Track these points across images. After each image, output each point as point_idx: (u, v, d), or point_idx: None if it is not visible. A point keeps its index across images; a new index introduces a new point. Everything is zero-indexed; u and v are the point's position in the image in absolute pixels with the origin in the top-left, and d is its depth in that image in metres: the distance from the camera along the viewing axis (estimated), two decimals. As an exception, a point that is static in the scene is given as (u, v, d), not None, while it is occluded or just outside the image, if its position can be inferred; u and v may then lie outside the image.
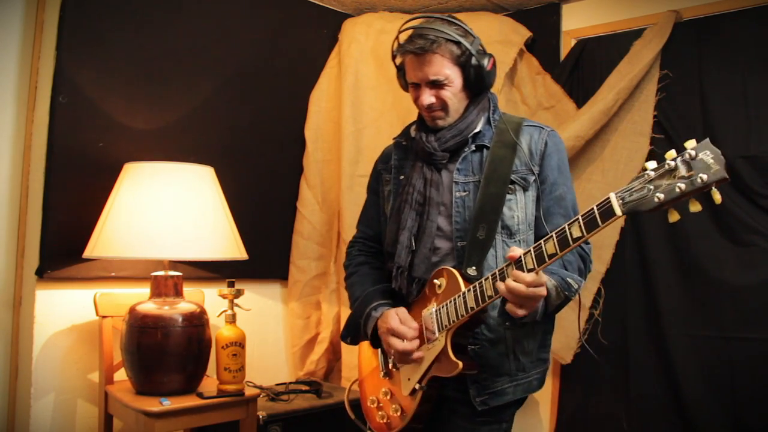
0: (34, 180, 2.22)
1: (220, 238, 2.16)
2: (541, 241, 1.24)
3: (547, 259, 1.23)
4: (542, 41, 2.89)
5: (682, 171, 1.04)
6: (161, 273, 2.11)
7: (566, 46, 2.84)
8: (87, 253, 2.08)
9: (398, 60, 1.59)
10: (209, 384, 2.16)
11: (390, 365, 1.63)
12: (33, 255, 2.19)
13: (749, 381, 2.27)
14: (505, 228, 1.49)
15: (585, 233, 1.16)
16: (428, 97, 1.51)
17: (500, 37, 2.82)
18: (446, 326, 1.43)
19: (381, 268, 1.71)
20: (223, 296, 2.15)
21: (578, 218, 1.18)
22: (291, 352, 2.90)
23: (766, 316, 2.25)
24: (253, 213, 2.65)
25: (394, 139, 1.74)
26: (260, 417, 2.24)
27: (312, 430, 2.40)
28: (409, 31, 1.54)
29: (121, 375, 2.16)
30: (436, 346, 1.45)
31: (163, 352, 2.00)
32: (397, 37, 1.58)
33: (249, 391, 2.14)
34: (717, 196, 1.04)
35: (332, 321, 2.84)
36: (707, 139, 1.03)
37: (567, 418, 2.68)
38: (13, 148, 2.26)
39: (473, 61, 1.50)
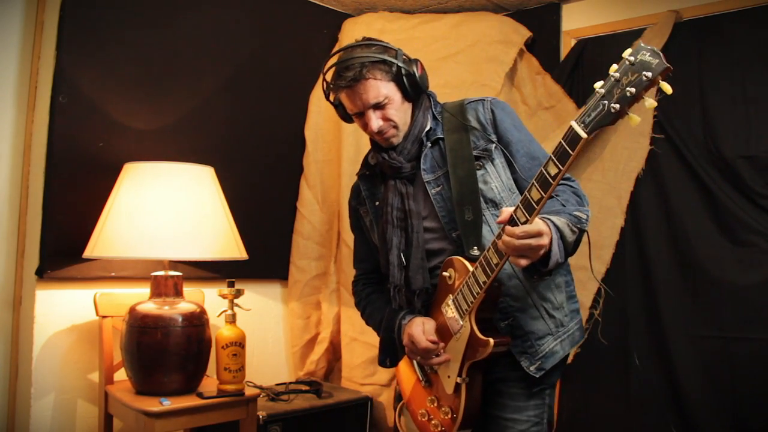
0: (34, 180, 2.22)
1: (220, 238, 2.16)
2: (525, 191, 1.26)
3: (535, 206, 1.23)
4: (542, 41, 2.89)
5: (628, 77, 1.09)
6: (161, 273, 2.11)
7: (566, 46, 2.84)
8: (87, 253, 2.08)
9: (332, 98, 1.62)
10: (209, 384, 2.16)
11: (427, 370, 1.63)
12: (33, 255, 2.19)
13: (749, 381, 2.27)
14: (489, 202, 1.52)
15: (561, 167, 1.19)
16: (377, 121, 1.53)
17: (500, 37, 2.82)
18: (467, 310, 1.44)
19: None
20: (223, 296, 2.15)
21: (550, 156, 1.21)
22: (291, 352, 2.90)
23: (766, 316, 2.25)
24: (253, 213, 2.65)
25: (357, 174, 1.77)
26: (260, 417, 2.24)
27: (312, 430, 2.40)
28: (332, 69, 1.57)
29: (121, 375, 2.16)
30: (463, 333, 1.46)
31: (163, 352, 2.00)
32: (323, 78, 1.61)
33: (249, 391, 2.14)
34: (666, 87, 1.10)
35: (332, 321, 2.84)
36: (639, 40, 1.09)
37: (567, 418, 2.68)
38: (13, 148, 2.26)
39: (403, 71, 1.52)
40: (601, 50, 2.72)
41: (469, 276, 1.42)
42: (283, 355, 2.91)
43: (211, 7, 2.60)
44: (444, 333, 1.52)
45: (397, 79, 1.53)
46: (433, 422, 1.60)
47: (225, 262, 2.34)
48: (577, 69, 2.77)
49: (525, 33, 2.86)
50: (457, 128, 1.56)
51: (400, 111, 1.55)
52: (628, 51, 1.10)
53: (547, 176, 1.21)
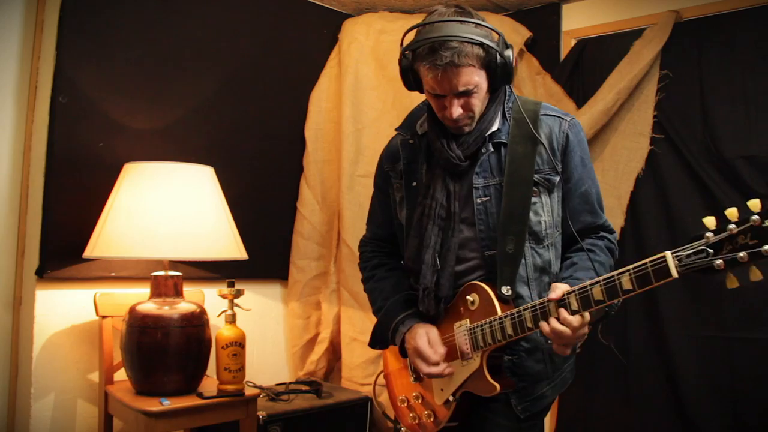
0: (34, 180, 2.22)
1: (220, 238, 2.16)
2: (587, 283, 1.22)
3: (593, 305, 1.20)
4: (542, 41, 2.89)
5: (746, 238, 1.00)
6: (161, 273, 2.11)
7: (566, 46, 2.84)
8: (87, 253, 2.08)
9: (407, 65, 1.45)
10: (209, 384, 2.16)
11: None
12: (33, 255, 2.19)
13: (749, 381, 2.27)
14: (532, 234, 1.44)
15: (636, 288, 1.14)
16: (458, 109, 1.39)
17: (500, 37, 2.82)
18: (482, 347, 1.41)
19: (397, 268, 1.67)
20: (223, 296, 2.15)
21: (629, 270, 1.14)
22: (291, 352, 2.90)
23: (766, 316, 2.25)
24: (253, 213, 2.65)
25: (397, 130, 1.62)
26: (260, 417, 2.24)
27: (312, 430, 2.40)
28: (425, 43, 1.38)
29: (121, 375, 2.16)
30: (471, 365, 1.44)
31: (163, 352, 2.00)
32: (402, 41, 1.47)
33: (249, 391, 2.14)
34: (757, 273, 1.00)
35: (332, 321, 2.84)
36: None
37: (567, 418, 2.68)
38: (13, 148, 2.26)
39: (498, 59, 1.38)
40: (601, 50, 2.72)
41: (496, 320, 1.38)
42: (283, 355, 2.91)
43: (211, 8, 2.60)
44: (449, 352, 1.50)
45: (489, 65, 1.37)
46: (411, 414, 1.60)
47: (225, 262, 2.34)
48: (577, 69, 2.77)
49: (525, 33, 2.87)
50: (524, 138, 1.44)
51: (482, 102, 1.43)
52: (756, 203, 1.00)
53: (618, 287, 1.16)
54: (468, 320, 1.46)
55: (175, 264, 2.19)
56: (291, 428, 2.34)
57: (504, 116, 1.49)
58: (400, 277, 1.65)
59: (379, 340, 1.66)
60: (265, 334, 2.83)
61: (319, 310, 2.90)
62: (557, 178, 1.46)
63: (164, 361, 2.00)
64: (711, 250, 1.04)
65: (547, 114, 1.49)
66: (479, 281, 1.46)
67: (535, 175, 1.43)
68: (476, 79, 1.37)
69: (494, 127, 1.47)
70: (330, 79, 2.95)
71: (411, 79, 1.47)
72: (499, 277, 1.41)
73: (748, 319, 2.28)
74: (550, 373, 1.50)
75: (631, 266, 1.14)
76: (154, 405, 1.92)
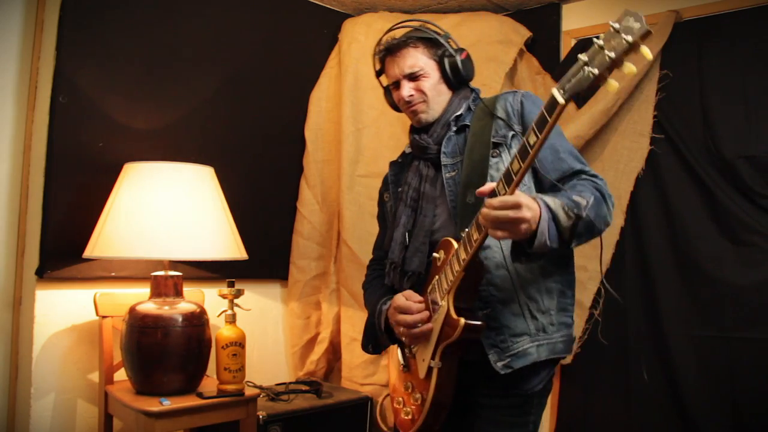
0: (34, 180, 2.22)
1: (220, 238, 2.16)
2: (508, 164, 1.25)
3: (514, 176, 1.22)
4: (542, 41, 2.89)
5: (610, 43, 1.07)
6: (161, 273, 2.11)
7: (566, 46, 2.84)
8: (87, 253, 2.08)
9: (378, 67, 1.68)
10: (209, 384, 2.16)
11: (408, 354, 1.59)
12: (33, 255, 2.19)
13: (749, 381, 2.27)
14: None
15: (539, 134, 1.16)
16: (408, 90, 1.56)
17: (500, 37, 2.82)
18: (446, 289, 1.41)
19: None
20: (223, 296, 2.15)
21: (531, 125, 1.18)
22: (291, 352, 2.90)
23: (766, 316, 2.25)
24: (253, 213, 2.65)
25: (389, 162, 1.79)
26: (260, 417, 2.24)
27: (312, 430, 2.40)
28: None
29: (121, 375, 2.16)
30: (440, 313, 1.42)
31: (163, 352, 2.00)
32: (373, 58, 1.68)
33: (249, 391, 2.14)
34: (646, 52, 1.05)
35: (332, 321, 2.84)
36: (626, 9, 1.06)
37: (567, 418, 2.68)
38: (13, 148, 2.26)
39: (447, 53, 1.57)
40: (601, 50, 2.71)
41: (453, 254, 1.40)
42: (283, 355, 2.91)
43: (211, 8, 2.60)
44: (425, 308, 1.49)
45: (439, 58, 1.58)
46: (404, 409, 1.57)
47: (225, 262, 2.34)
48: (577, 69, 2.77)
49: (525, 33, 2.87)
50: (483, 116, 1.56)
51: (434, 90, 1.58)
52: (614, 19, 1.08)
53: (527, 145, 1.19)
54: (436, 275, 1.47)
55: (175, 264, 2.19)
56: (291, 428, 2.34)
57: (470, 109, 1.61)
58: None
59: (370, 335, 1.67)
60: (265, 334, 2.83)
61: (319, 310, 2.90)
62: (512, 134, 1.52)
63: (164, 361, 2.01)
64: (587, 68, 1.10)
65: (504, 93, 1.60)
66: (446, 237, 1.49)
67: (493, 139, 1.51)
68: (421, 63, 1.56)
69: (459, 112, 1.59)
70: (330, 79, 2.95)
71: (390, 96, 1.68)
72: (459, 226, 1.45)
73: (748, 319, 2.28)
74: (533, 330, 1.46)
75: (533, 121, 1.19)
76: (154, 405, 1.92)
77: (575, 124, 2.52)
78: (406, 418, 1.56)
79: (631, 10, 1.06)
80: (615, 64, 1.07)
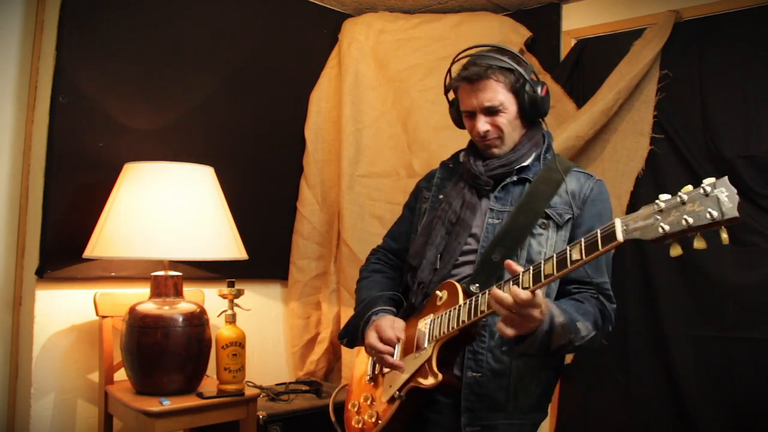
0: (34, 180, 2.22)
1: (220, 238, 2.16)
2: (542, 260, 1.21)
3: (543, 279, 1.18)
4: (542, 41, 2.89)
5: (693, 205, 1.00)
6: (161, 273, 2.11)
7: (566, 46, 2.84)
8: (87, 253, 2.08)
9: (451, 92, 1.60)
10: (209, 384, 2.16)
11: (376, 370, 1.61)
12: (33, 255, 2.19)
13: (749, 381, 2.27)
14: (530, 262, 1.44)
15: (584, 256, 1.13)
16: (484, 124, 1.50)
17: (500, 37, 2.82)
18: (436, 337, 1.41)
19: (394, 279, 1.70)
20: (223, 296, 2.15)
21: (580, 241, 1.15)
22: (291, 352, 2.90)
23: (766, 316, 2.25)
24: (253, 213, 2.64)
25: (440, 162, 1.74)
26: (260, 417, 2.24)
27: (312, 430, 2.40)
28: (463, 61, 1.55)
29: (121, 375, 2.16)
30: (422, 356, 1.43)
31: (163, 352, 2.00)
32: (449, 70, 1.59)
33: (249, 391, 2.14)
34: (724, 235, 0.99)
35: (332, 321, 2.84)
36: (725, 177, 0.99)
37: (567, 418, 2.68)
38: (13, 148, 2.26)
39: (527, 88, 1.49)
40: (601, 50, 2.72)
41: (455, 308, 1.38)
42: (283, 355, 2.91)
43: (211, 7, 2.60)
44: (408, 345, 1.49)
45: (518, 91, 1.49)
46: (356, 417, 1.59)
47: (225, 262, 2.34)
48: (577, 69, 2.77)
49: (525, 33, 2.87)
50: (550, 181, 1.50)
51: (511, 125, 1.51)
52: (710, 180, 0.99)
53: (568, 258, 1.16)
54: (432, 314, 1.47)
55: (175, 264, 2.19)
56: (291, 428, 2.33)
57: (538, 160, 1.55)
58: (393, 283, 1.69)
59: (350, 331, 1.65)
60: (265, 334, 2.83)
61: (319, 310, 2.90)
62: (569, 216, 1.48)
63: (164, 361, 2.01)
64: (659, 218, 1.04)
65: (580, 171, 1.56)
66: (452, 281, 1.47)
67: (548, 209, 1.47)
68: (501, 98, 1.48)
69: (525, 162, 1.54)
70: (330, 79, 2.95)
71: (456, 110, 1.61)
72: (473, 277, 1.44)
73: (748, 319, 2.28)
74: (510, 409, 1.47)
75: (583, 237, 1.15)
76: (154, 405, 1.92)
77: (575, 124, 2.52)
78: (356, 426, 1.58)
79: (729, 183, 0.98)
80: (688, 232, 1.01)
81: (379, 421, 1.49)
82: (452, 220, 1.54)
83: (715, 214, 0.97)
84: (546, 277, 1.18)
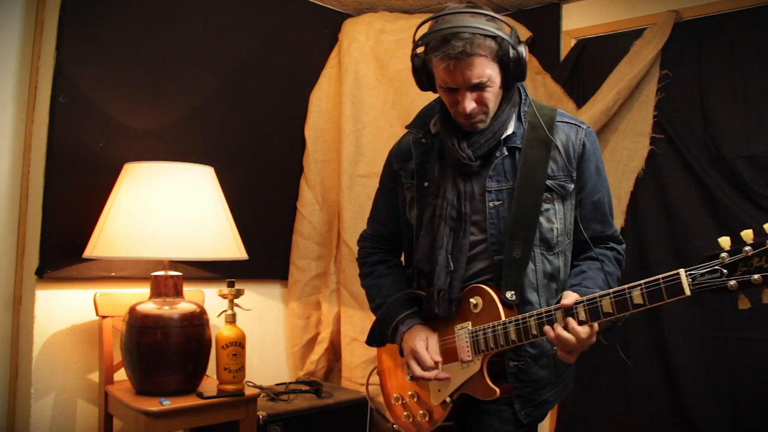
0: (34, 180, 2.22)
1: (220, 238, 2.16)
2: (597, 294, 1.21)
3: (602, 317, 1.20)
4: (542, 41, 2.89)
5: (762, 261, 0.99)
6: (161, 273, 2.11)
7: (566, 46, 2.84)
8: (87, 253, 2.07)
9: (419, 61, 1.44)
10: (209, 384, 2.16)
11: None
12: (33, 255, 2.19)
13: (749, 381, 2.27)
14: (543, 241, 1.43)
15: (647, 303, 1.14)
16: (470, 103, 1.37)
17: (500, 37, 2.82)
18: (483, 351, 1.40)
19: (397, 266, 1.67)
20: (223, 296, 2.15)
21: (641, 285, 1.14)
22: (291, 352, 2.90)
23: (766, 316, 2.25)
24: (253, 213, 2.64)
25: (408, 128, 1.61)
26: (260, 417, 2.24)
27: (312, 430, 2.40)
28: (437, 34, 1.35)
29: (121, 375, 2.16)
30: (471, 368, 1.43)
31: (163, 352, 2.00)
32: (414, 36, 1.43)
33: (249, 391, 2.14)
34: None
35: (332, 321, 2.84)
36: None
37: (567, 418, 2.68)
38: (13, 148, 2.26)
39: (512, 54, 1.36)
40: (601, 50, 2.72)
41: (500, 324, 1.37)
42: (283, 355, 2.91)
43: (211, 7, 2.60)
44: (449, 353, 1.48)
45: (502, 59, 1.36)
46: (405, 412, 1.60)
47: (225, 262, 2.34)
48: (577, 69, 2.77)
49: (525, 33, 2.87)
50: (539, 143, 1.42)
51: (496, 97, 1.40)
52: None
53: (629, 301, 1.16)
54: (470, 323, 1.45)
55: (175, 264, 2.19)
56: (291, 428, 2.33)
57: (519, 119, 1.47)
58: (400, 275, 1.65)
59: (377, 338, 1.64)
60: (265, 334, 2.83)
61: (319, 310, 2.90)
62: (572, 186, 1.45)
63: (164, 361, 2.00)
64: (725, 271, 1.04)
65: (564, 121, 1.48)
66: (484, 285, 1.44)
67: (549, 181, 1.42)
68: (489, 71, 1.35)
69: (509, 130, 1.46)
70: (330, 79, 2.95)
71: (423, 77, 1.46)
72: (504, 281, 1.41)
73: (748, 319, 2.28)
74: (554, 379, 1.50)
75: (643, 281, 1.14)
76: (154, 405, 1.92)
77: (575, 124, 2.52)
78: (407, 421, 1.59)
79: None
80: (756, 287, 1.00)
81: (435, 421, 1.52)
82: (453, 216, 1.46)
83: None
84: (605, 315, 1.20)
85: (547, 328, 1.27)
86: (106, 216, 2.08)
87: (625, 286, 1.18)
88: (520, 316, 1.34)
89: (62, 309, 2.22)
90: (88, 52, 2.25)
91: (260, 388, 2.45)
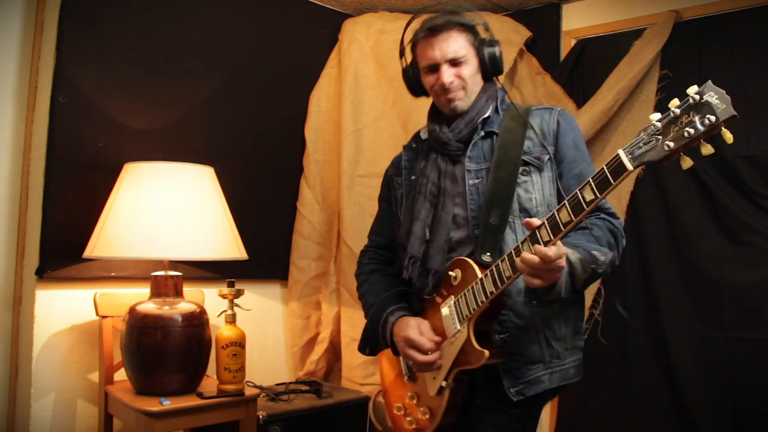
0: (34, 180, 2.22)
1: (220, 238, 2.16)
2: (554, 210, 1.21)
3: (562, 228, 1.19)
4: (542, 41, 2.89)
5: (688, 116, 1.03)
6: (161, 273, 2.11)
7: (566, 46, 2.84)
8: (87, 253, 2.08)
9: (408, 52, 1.60)
10: (209, 384, 2.16)
11: (413, 366, 1.59)
12: (33, 255, 2.19)
13: (749, 381, 2.27)
14: (524, 211, 1.46)
15: (598, 194, 1.14)
16: (449, 75, 1.50)
17: (500, 37, 2.78)
18: (467, 316, 1.40)
19: (392, 275, 1.68)
20: (223, 296, 2.15)
21: (589, 180, 1.15)
22: (291, 352, 2.90)
23: (766, 316, 2.25)
24: (253, 213, 2.64)
25: (403, 146, 1.73)
26: (260, 417, 2.24)
27: (312, 430, 2.40)
28: (415, 25, 1.57)
29: (121, 375, 2.16)
30: (459, 339, 1.41)
31: (163, 352, 2.00)
32: (402, 38, 1.61)
33: (249, 391, 2.14)
34: (728, 136, 1.02)
35: (332, 321, 2.84)
36: (709, 81, 1.02)
37: (567, 418, 2.68)
38: (13, 148, 2.26)
39: (486, 44, 1.53)
40: (601, 50, 2.72)
41: (477, 282, 1.37)
42: (283, 355, 2.91)
43: (211, 7, 2.60)
44: (437, 333, 1.48)
45: (478, 48, 1.53)
46: (408, 419, 1.57)
47: (225, 262, 2.34)
48: (577, 69, 2.77)
49: (525, 33, 2.86)
50: (514, 128, 1.50)
51: (472, 79, 1.53)
52: (694, 88, 1.03)
53: (581, 200, 1.16)
54: (452, 297, 1.45)
55: (175, 264, 2.19)
56: (291, 428, 2.33)
57: (497, 111, 1.55)
58: (393, 279, 1.67)
59: (369, 339, 1.64)
60: (265, 334, 2.83)
61: (319, 310, 2.90)
62: (547, 156, 1.49)
63: (164, 361, 2.00)
64: (660, 137, 1.06)
65: (538, 108, 1.56)
66: (462, 256, 1.46)
67: (525, 156, 1.48)
68: (464, 52, 1.50)
69: (486, 114, 1.54)
70: (330, 79, 2.95)
71: (412, 77, 1.60)
72: (480, 246, 1.43)
73: (748, 319, 2.28)
74: (547, 357, 1.46)
75: (590, 176, 1.16)
76: (154, 405, 1.92)
77: (575, 124, 2.52)
78: (410, 428, 1.56)
79: (713, 86, 1.01)
80: (693, 142, 1.03)
81: (435, 416, 1.48)
82: (434, 192, 1.53)
83: (713, 118, 1.00)
84: (565, 225, 1.18)
85: (517, 259, 1.25)
86: (106, 216, 2.08)
87: (576, 189, 1.19)
88: (493, 265, 1.35)
89: (62, 309, 2.22)
90: (88, 52, 2.25)
91: (260, 388, 2.45)
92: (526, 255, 1.22)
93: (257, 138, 2.75)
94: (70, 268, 2.21)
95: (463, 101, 1.53)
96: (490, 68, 1.54)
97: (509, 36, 2.83)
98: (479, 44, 1.53)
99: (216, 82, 2.61)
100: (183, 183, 2.12)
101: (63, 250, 2.18)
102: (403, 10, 3.02)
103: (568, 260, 1.28)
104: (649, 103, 2.52)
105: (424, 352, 1.46)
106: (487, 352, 1.34)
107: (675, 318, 2.44)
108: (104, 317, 2.20)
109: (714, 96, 1.00)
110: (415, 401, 1.57)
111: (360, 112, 2.86)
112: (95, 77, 2.26)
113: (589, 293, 2.56)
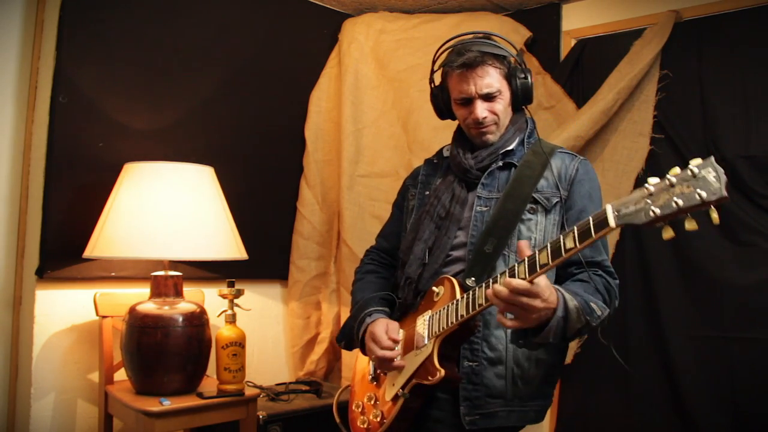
0: (34, 180, 2.22)
1: (220, 238, 2.16)
2: (536, 250, 1.21)
3: (538, 269, 1.18)
4: (542, 41, 2.89)
5: (682, 187, 1.01)
6: (161, 273, 2.11)
7: (566, 46, 2.84)
8: (87, 253, 2.08)
9: (439, 79, 1.60)
10: (209, 384, 2.16)
11: (378, 370, 1.61)
12: (33, 255, 2.19)
13: (749, 381, 2.27)
14: None
15: (578, 244, 1.13)
16: (483, 110, 1.50)
17: (500, 37, 2.82)
18: (436, 333, 1.41)
19: (388, 279, 1.71)
20: (223, 296, 2.15)
21: (573, 229, 1.14)
22: (291, 352, 2.90)
23: (766, 316, 2.25)
24: (253, 213, 2.64)
25: (425, 159, 1.75)
26: (260, 417, 2.24)
27: (312, 430, 2.40)
28: (448, 51, 1.55)
29: (121, 375, 2.16)
30: (423, 352, 1.43)
31: (163, 352, 2.00)
32: (433, 62, 1.60)
33: (249, 391, 2.14)
34: (714, 215, 0.99)
35: (332, 321, 2.84)
36: (711, 158, 1.00)
37: (567, 418, 2.68)
38: (13, 148, 2.26)
39: (519, 74, 1.52)
40: (601, 50, 2.72)
41: (453, 303, 1.39)
42: (283, 355, 2.91)
43: (211, 7, 2.60)
44: (408, 343, 1.50)
45: (510, 79, 1.53)
46: (362, 417, 1.59)
47: (225, 262, 2.34)
48: (577, 69, 2.77)
49: (525, 33, 2.87)
50: (534, 164, 1.50)
51: (505, 112, 1.54)
52: (697, 161, 1.00)
53: (562, 247, 1.15)
54: (429, 311, 1.47)
55: (175, 264, 2.19)
56: (291, 428, 2.33)
57: (522, 144, 1.56)
58: (386, 282, 1.69)
59: (346, 335, 1.67)
60: (265, 334, 2.83)
61: (319, 310, 2.90)
62: (557, 199, 1.48)
63: (164, 361, 2.01)
64: (650, 201, 1.04)
65: (565, 152, 1.56)
66: (449, 276, 1.47)
67: (536, 194, 1.48)
68: (498, 85, 1.50)
69: (510, 146, 1.54)
70: (330, 79, 2.95)
71: (441, 102, 1.61)
72: (467, 270, 1.44)
73: (748, 319, 2.28)
74: (509, 395, 1.46)
75: (575, 225, 1.15)
76: (154, 405, 1.92)
77: (575, 124, 2.52)
78: (361, 426, 1.59)
79: (715, 163, 0.98)
80: (679, 213, 1.01)
81: (384, 420, 1.49)
82: (441, 215, 1.54)
83: (704, 194, 0.97)
84: (541, 267, 1.18)
85: (488, 290, 1.25)
86: (106, 216, 2.08)
87: (560, 235, 1.18)
88: (471, 290, 1.35)
89: (62, 309, 2.22)
90: (88, 52, 2.25)
91: (260, 388, 2.46)
92: (496, 286, 1.22)
93: (257, 138, 2.75)
94: (70, 268, 2.21)
95: (494, 135, 1.54)
96: (521, 99, 1.54)
97: (509, 36, 2.82)
98: (511, 75, 1.52)
99: (216, 82, 2.61)
100: (183, 183, 2.12)
101: (63, 250, 2.18)
102: (403, 10, 3.02)
103: (566, 306, 1.27)
104: (649, 103, 2.52)
105: (382, 348, 1.48)
106: (442, 372, 1.35)
107: (675, 318, 2.44)
108: (104, 317, 2.20)
109: (711, 173, 0.98)
110: (372, 402, 1.58)
111: (360, 112, 2.86)
112: (95, 77, 2.26)
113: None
